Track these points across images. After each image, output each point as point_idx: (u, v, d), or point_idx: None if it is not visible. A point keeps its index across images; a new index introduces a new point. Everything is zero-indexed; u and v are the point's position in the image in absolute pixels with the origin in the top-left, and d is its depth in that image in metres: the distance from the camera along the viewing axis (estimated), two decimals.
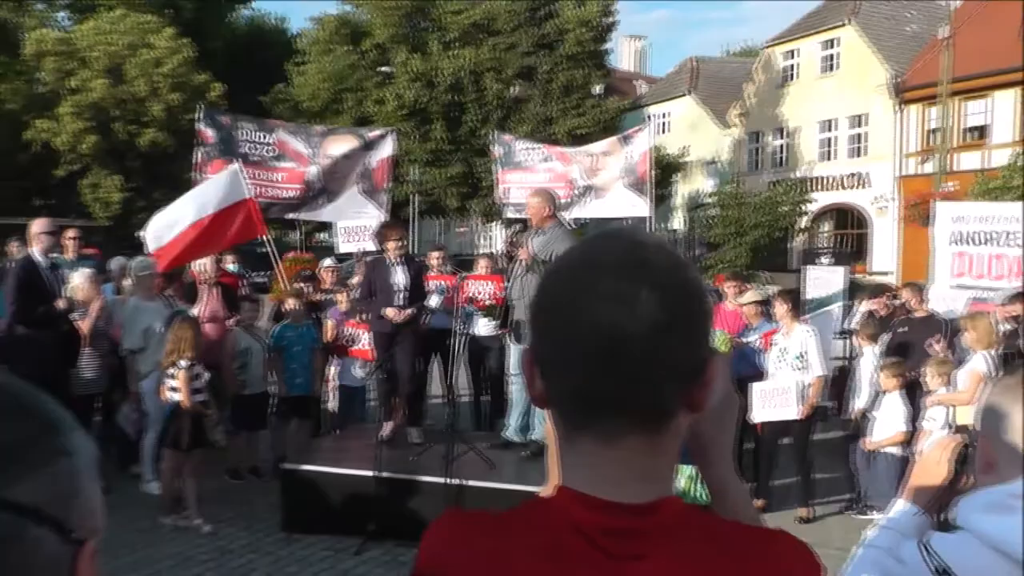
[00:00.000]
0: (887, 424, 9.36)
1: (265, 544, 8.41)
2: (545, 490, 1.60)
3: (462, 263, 18.46)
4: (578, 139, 33.67)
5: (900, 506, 2.36)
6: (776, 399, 9.62)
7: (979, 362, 9.10)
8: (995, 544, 1.93)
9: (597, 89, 44.39)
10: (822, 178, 42.41)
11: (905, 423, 9.26)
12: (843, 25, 41.34)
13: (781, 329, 10.01)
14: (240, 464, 10.58)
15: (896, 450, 9.26)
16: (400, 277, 9.70)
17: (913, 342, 10.77)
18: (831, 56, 42.58)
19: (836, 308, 13.36)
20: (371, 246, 13.16)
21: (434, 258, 12.74)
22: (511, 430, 9.56)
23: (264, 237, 12.62)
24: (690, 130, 50.58)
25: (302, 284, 12.03)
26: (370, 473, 8.39)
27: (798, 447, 9.93)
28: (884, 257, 38.51)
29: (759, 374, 10.01)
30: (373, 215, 15.15)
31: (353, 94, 43.78)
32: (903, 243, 36.91)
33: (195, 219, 11.44)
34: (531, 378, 1.36)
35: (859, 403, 10.22)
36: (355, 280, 12.56)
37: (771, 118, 45.49)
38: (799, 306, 10.43)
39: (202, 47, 43.41)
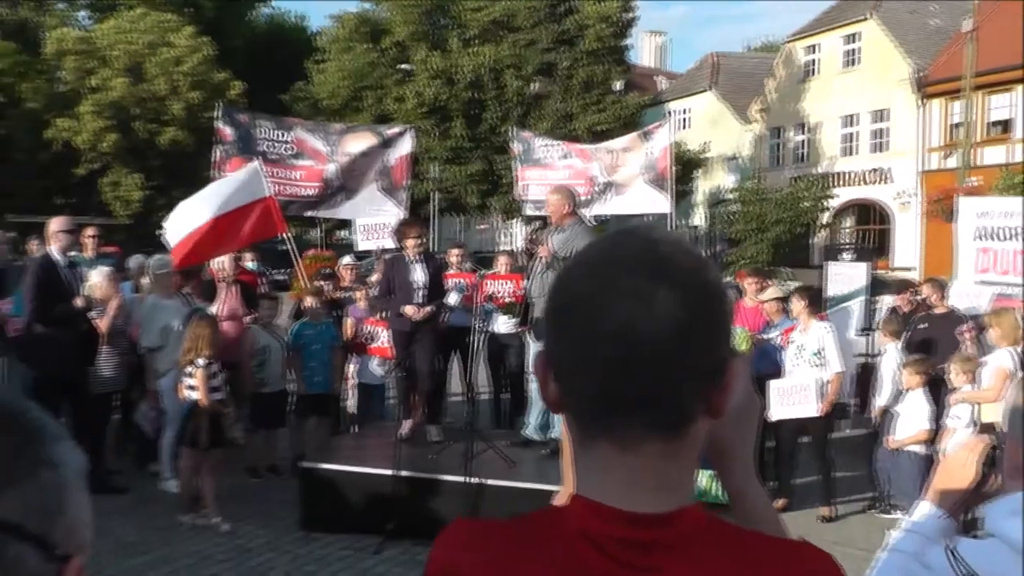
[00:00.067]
0: (910, 422, 9.26)
1: (284, 543, 8.36)
2: (559, 497, 1.54)
3: (482, 260, 18.48)
4: (598, 135, 33.64)
5: (925, 509, 2.28)
6: (795, 396, 9.52)
7: (1004, 358, 8.99)
8: None
9: (617, 85, 44.37)
10: (844, 173, 42.22)
11: (929, 421, 9.15)
12: (865, 19, 41.12)
13: (798, 326, 9.91)
14: (259, 462, 10.56)
15: (919, 448, 9.16)
16: (419, 275, 9.65)
17: (933, 339, 10.67)
18: (853, 51, 42.36)
19: (857, 304, 13.24)
20: (390, 244, 13.15)
21: (453, 256, 12.71)
22: (531, 428, 9.50)
23: (284, 235, 12.61)
24: (711, 126, 50.44)
25: (322, 282, 12.00)
26: (389, 472, 8.34)
27: (817, 445, 9.83)
28: (907, 253, 38.29)
29: (780, 372, 9.91)
30: (392, 213, 15.13)
31: (373, 92, 43.87)
32: (926, 239, 36.68)
33: (214, 216, 11.40)
34: (545, 380, 1.30)
35: (881, 400, 10.11)
36: (374, 278, 12.52)
37: (792, 113, 45.31)
38: (817, 302, 10.31)
39: (222, 45, 43.60)
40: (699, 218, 50.71)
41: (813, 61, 44.64)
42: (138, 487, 9.79)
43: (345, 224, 23.87)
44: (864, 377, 11.44)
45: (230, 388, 9.97)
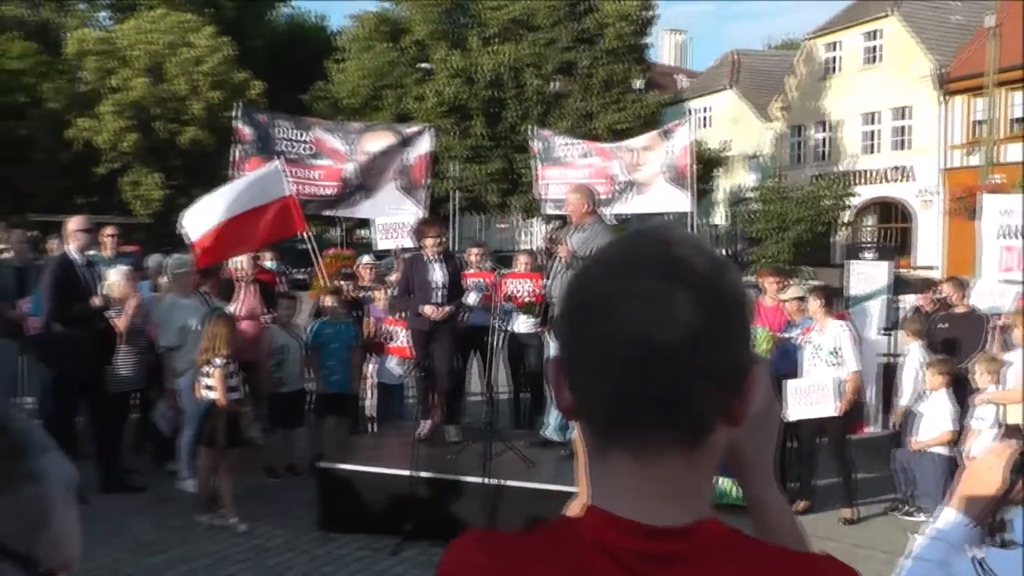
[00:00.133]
0: (934, 423, 9.17)
1: (301, 543, 8.34)
2: (572, 507, 1.50)
3: (502, 259, 18.41)
4: (618, 134, 33.55)
5: (950, 516, 2.22)
6: (812, 396, 9.43)
7: None
8: None
9: (637, 84, 44.27)
10: (865, 171, 42.09)
11: (953, 422, 9.06)
12: (886, 16, 40.94)
13: (815, 325, 9.83)
14: (277, 462, 10.54)
15: (943, 450, 9.06)
16: (438, 274, 9.61)
17: (954, 338, 10.57)
18: (874, 48, 42.20)
19: (878, 303, 13.12)
20: (409, 243, 13.10)
21: (473, 255, 12.68)
22: (550, 428, 9.44)
23: (304, 234, 12.59)
24: (731, 124, 50.38)
25: (341, 282, 11.97)
26: (407, 472, 8.31)
27: (836, 446, 9.75)
28: (929, 251, 38.11)
29: (800, 371, 9.83)
30: (411, 211, 15.07)
31: (393, 91, 43.93)
32: (948, 237, 36.52)
33: (234, 214, 11.40)
34: (558, 387, 1.25)
35: (903, 401, 10.01)
36: (393, 277, 12.49)
37: (813, 111, 45.18)
38: (832, 302, 10.21)
39: (242, 45, 43.77)
40: (720, 217, 50.65)
41: (834, 58, 44.51)
42: (156, 486, 9.80)
43: (365, 223, 23.86)
44: (887, 377, 11.34)
45: (248, 387, 9.96)
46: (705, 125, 50.55)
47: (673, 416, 1.16)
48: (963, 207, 31.34)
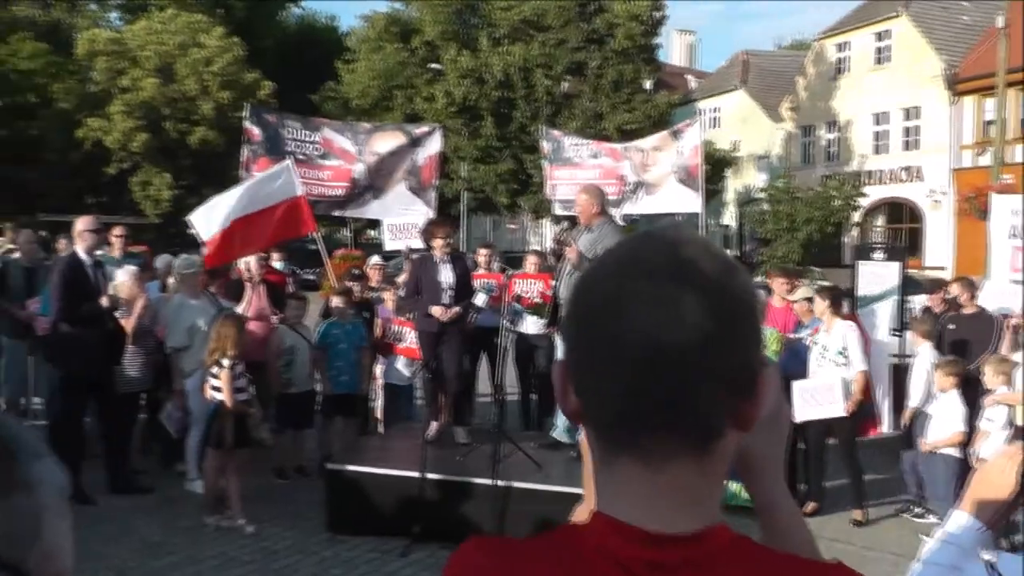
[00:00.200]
0: (944, 424, 9.11)
1: (310, 544, 8.32)
2: (579, 512, 1.47)
3: (512, 260, 18.42)
4: (628, 134, 33.51)
5: (962, 519, 2.19)
6: (820, 397, 9.39)
7: None
8: None
9: (647, 84, 44.26)
10: (875, 172, 42.01)
11: (963, 423, 9.00)
12: (896, 16, 40.85)
13: (821, 326, 9.79)
14: (286, 463, 10.52)
15: (953, 451, 9.01)
16: (447, 275, 9.58)
17: (963, 339, 10.52)
18: (884, 48, 42.10)
19: (888, 304, 13.06)
20: (418, 243, 13.10)
21: (482, 256, 12.67)
22: (559, 430, 9.40)
23: (314, 234, 12.59)
24: (741, 124, 50.33)
25: (350, 283, 11.96)
26: (416, 474, 8.28)
27: (845, 447, 9.70)
28: (939, 252, 38.00)
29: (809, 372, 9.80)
30: (421, 212, 15.08)
31: (403, 91, 44.00)
32: (958, 237, 36.41)
33: (244, 213, 11.40)
34: (564, 391, 1.22)
35: (913, 402, 9.95)
36: (402, 278, 12.48)
37: (823, 111, 45.12)
38: (839, 302, 10.16)
39: (252, 46, 43.88)
40: (729, 217, 50.59)
41: (844, 59, 44.43)
42: (164, 487, 9.79)
43: (375, 224, 23.93)
44: (897, 378, 11.29)
45: (257, 388, 9.95)
46: (715, 125, 50.48)
47: (681, 420, 1.14)
48: (973, 207, 31.23)
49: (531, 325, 11.82)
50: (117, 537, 8.30)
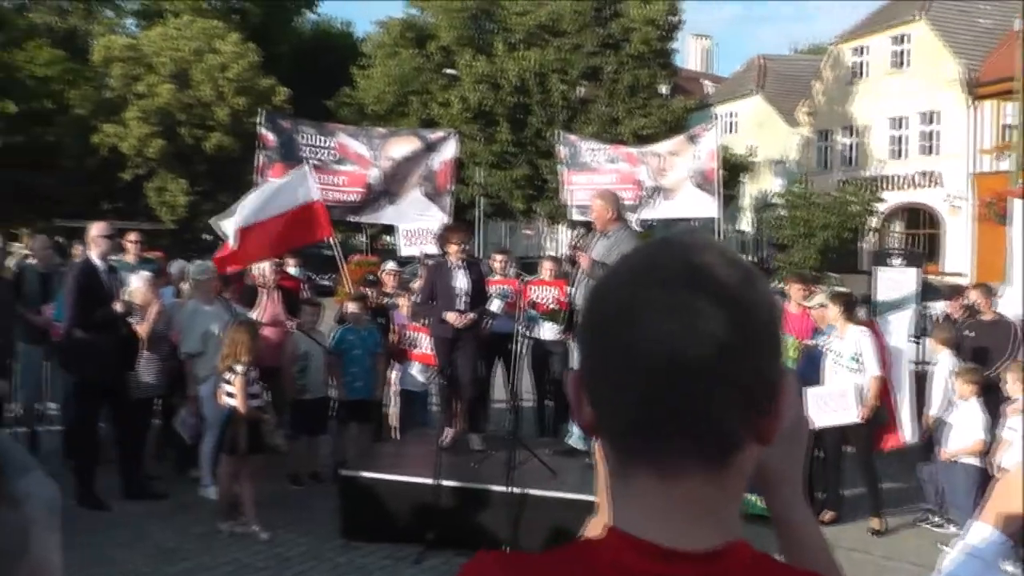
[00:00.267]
0: (964, 432, 9.01)
1: (324, 551, 8.28)
2: (591, 525, 1.42)
3: (528, 266, 18.35)
4: (644, 139, 33.51)
5: (984, 532, 2.13)
6: (834, 403, 9.31)
7: None
8: None
9: (663, 89, 44.22)
10: (893, 177, 41.82)
11: (984, 432, 8.90)
12: (914, 20, 40.70)
13: (834, 332, 9.71)
14: (300, 469, 10.48)
15: (974, 460, 8.90)
16: (461, 281, 9.54)
17: (981, 346, 10.43)
18: (901, 52, 41.94)
19: (908, 310, 12.97)
20: (433, 249, 13.07)
21: (497, 261, 12.62)
22: (575, 437, 9.35)
23: (330, 239, 12.57)
24: (758, 129, 50.24)
25: (365, 289, 11.93)
26: (430, 480, 8.25)
27: (861, 454, 9.62)
28: (958, 257, 37.84)
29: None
30: (436, 217, 15.04)
31: (418, 97, 44.07)
32: (978, 242, 36.25)
33: (261, 219, 11.39)
34: (578, 402, 1.18)
35: (932, 410, 9.85)
36: (417, 284, 12.44)
37: (840, 116, 44.98)
38: (853, 308, 10.09)
39: (268, 52, 44.04)
40: (746, 223, 50.48)
41: (861, 63, 44.28)
42: (178, 493, 9.76)
43: (390, 229, 23.97)
44: (918, 386, 11.21)
45: (271, 394, 9.92)
46: (731, 130, 50.39)
47: (699, 433, 1.10)
48: (993, 212, 31.15)
49: (547, 331, 11.77)
50: (131, 543, 8.28)
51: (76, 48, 45.46)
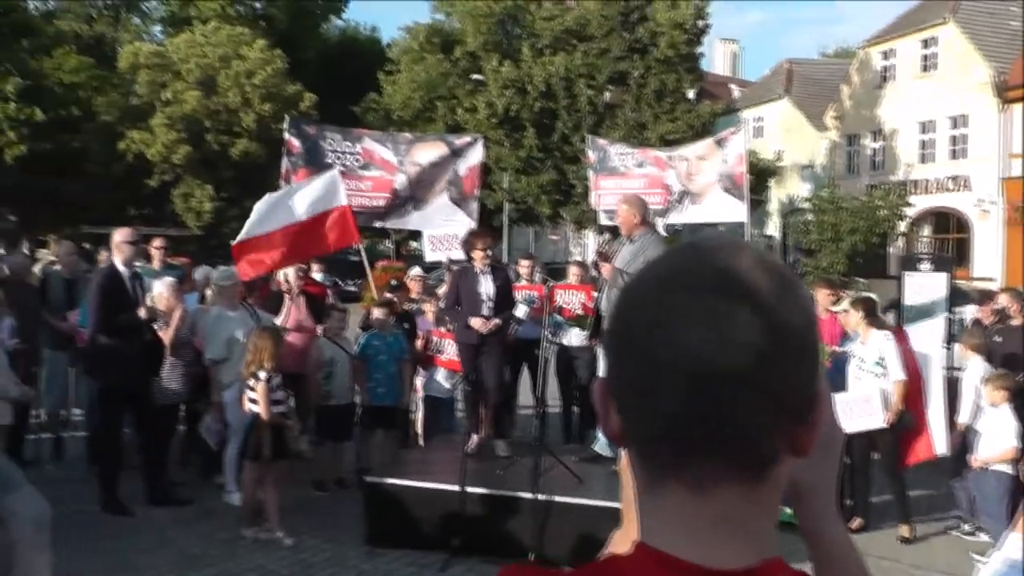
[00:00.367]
0: (995, 440, 8.89)
1: (348, 558, 8.25)
2: (616, 539, 1.36)
3: (554, 271, 18.30)
4: (671, 144, 33.36)
5: (1021, 543, 2.04)
6: (859, 409, 9.21)
7: None
8: None
9: (690, 94, 44.11)
10: (921, 181, 41.55)
11: (1016, 439, 8.78)
12: (943, 23, 40.43)
13: (857, 337, 9.61)
14: (325, 475, 10.46)
15: (1006, 467, 8.78)
16: (486, 286, 9.51)
17: (1011, 352, 10.30)
18: (930, 55, 41.67)
19: (940, 319, 12.83)
20: (459, 254, 13.03)
21: (523, 267, 12.59)
22: (601, 443, 9.28)
23: (357, 245, 12.55)
24: (785, 134, 50.07)
25: (390, 295, 11.91)
26: (455, 487, 8.19)
27: (888, 461, 9.51)
28: (987, 262, 37.55)
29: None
30: (463, 223, 15.00)
31: (445, 102, 44.12)
32: (1007, 247, 35.98)
33: (287, 223, 11.37)
34: (606, 411, 1.13)
35: (962, 417, 9.71)
36: (442, 290, 12.40)
37: (868, 120, 44.77)
38: (874, 313, 9.99)
39: (294, 58, 44.18)
40: (773, 228, 50.27)
41: (889, 66, 44.02)
42: (203, 499, 9.76)
43: (416, 235, 23.99)
44: (950, 392, 11.08)
45: (296, 400, 9.89)
46: (758, 135, 50.20)
47: (731, 445, 1.04)
48: (1022, 216, 30.88)
49: (573, 337, 11.72)
50: (154, 548, 8.27)
51: (103, 55, 45.74)
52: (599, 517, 7.26)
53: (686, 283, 1.06)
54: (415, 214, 15.46)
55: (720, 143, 17.48)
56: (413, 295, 12.54)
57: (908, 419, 9.41)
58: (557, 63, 42.07)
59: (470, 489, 8.20)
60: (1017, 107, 37.46)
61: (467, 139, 16.77)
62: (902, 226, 39.18)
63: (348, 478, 10.46)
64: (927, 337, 10.32)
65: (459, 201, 15.47)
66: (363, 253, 13.16)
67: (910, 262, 14.67)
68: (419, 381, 11.41)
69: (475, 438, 9.47)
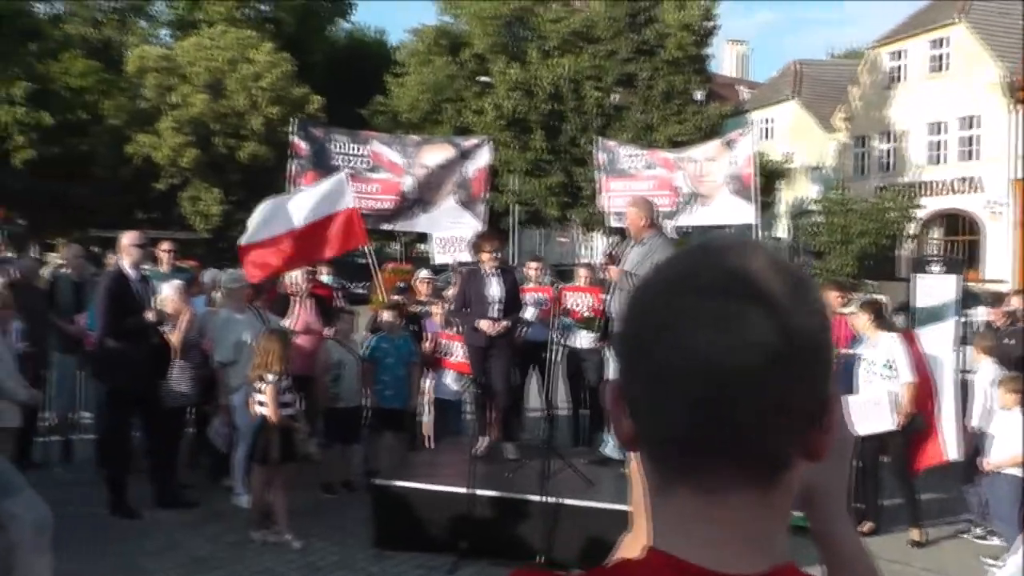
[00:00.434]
0: (1007, 443, 8.83)
1: (356, 561, 8.24)
2: (625, 546, 1.33)
3: (563, 273, 18.29)
4: (679, 146, 33.31)
5: None
6: (869, 411, 9.17)
7: None
8: None
9: (698, 95, 44.05)
10: (931, 183, 41.42)
11: None
12: (953, 23, 40.30)
13: (865, 341, 9.58)
14: (333, 478, 10.45)
15: (1017, 471, 8.72)
16: (495, 289, 9.51)
17: (1022, 355, 10.25)
18: (940, 56, 41.55)
19: (952, 323, 12.74)
20: (466, 257, 13.02)
21: (532, 269, 12.56)
22: (610, 446, 9.29)
23: (365, 247, 12.54)
24: (794, 135, 49.98)
25: (398, 297, 11.89)
26: (464, 490, 8.17)
27: (898, 464, 9.47)
28: (998, 264, 37.42)
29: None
30: (470, 225, 14.99)
31: (452, 104, 44.14)
32: (1019, 249, 35.86)
33: (294, 226, 11.35)
34: (617, 415, 1.11)
35: (974, 420, 9.66)
36: (450, 292, 12.39)
37: (877, 121, 44.64)
38: (882, 315, 9.95)
39: (301, 61, 44.25)
40: (782, 230, 50.19)
41: (899, 67, 43.88)
42: (211, 502, 9.76)
43: (425, 237, 23.99)
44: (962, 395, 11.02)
45: (305, 403, 9.87)
46: (767, 137, 50.06)
47: (744, 449, 1.03)
48: None
49: (581, 339, 11.70)
50: (162, 551, 8.27)
51: (110, 59, 45.78)
52: (608, 520, 7.21)
53: (696, 285, 1.04)
54: (423, 216, 15.43)
55: (729, 144, 17.46)
56: (421, 297, 12.53)
57: (919, 422, 9.37)
58: (565, 65, 42.07)
59: (479, 492, 8.18)
60: None
61: (475, 141, 16.74)
62: (912, 228, 39.11)
63: (356, 481, 10.45)
64: (939, 341, 10.24)
65: (467, 203, 15.44)
66: (371, 255, 13.15)
67: (920, 264, 14.57)
68: (427, 383, 11.39)
69: (484, 440, 9.47)
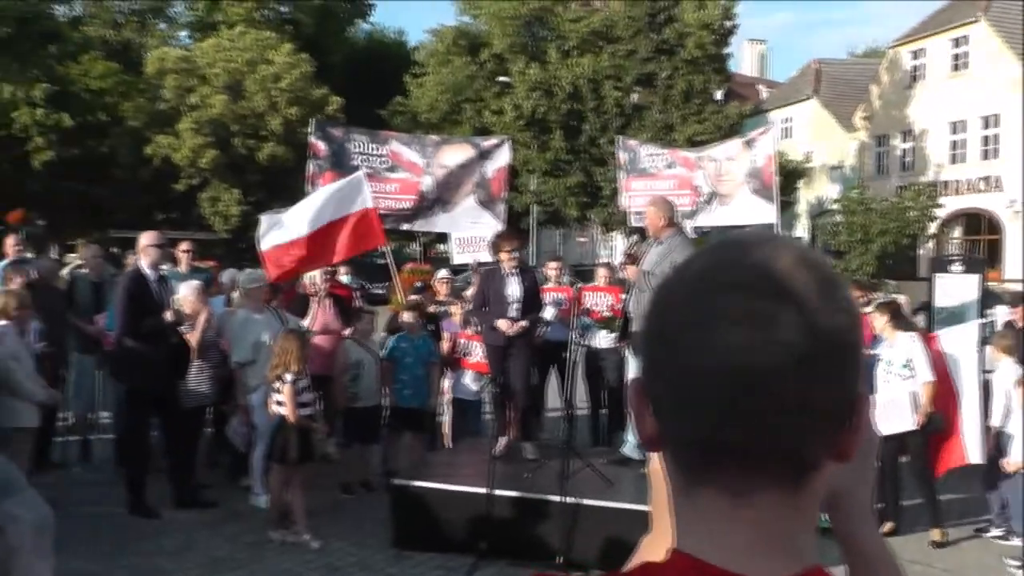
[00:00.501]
0: None
1: (375, 561, 8.22)
2: (646, 548, 1.30)
3: (582, 273, 18.24)
4: (699, 146, 33.29)
5: None
6: (889, 411, 9.12)
7: None
8: None
9: (718, 94, 43.96)
10: (952, 182, 41.25)
11: None
12: (974, 21, 40.13)
13: (883, 341, 9.51)
14: (352, 478, 10.44)
15: None
16: (514, 288, 9.49)
17: None
18: (961, 54, 41.36)
19: (974, 324, 12.65)
20: (486, 256, 12.99)
21: (551, 269, 12.54)
22: (630, 446, 9.24)
23: (383, 247, 12.52)
24: (814, 135, 49.84)
25: (417, 297, 11.88)
26: (483, 490, 8.15)
27: (918, 464, 9.40)
28: (1019, 263, 37.19)
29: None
30: (490, 225, 14.94)
31: (471, 105, 44.17)
32: None
33: (314, 228, 11.33)
34: (640, 414, 1.09)
35: (994, 420, 9.59)
36: (470, 292, 12.37)
37: (898, 120, 44.48)
38: (899, 315, 9.89)
39: (321, 61, 44.30)
40: (802, 230, 50.06)
41: (919, 66, 43.71)
42: (230, 501, 9.76)
43: (444, 237, 23.95)
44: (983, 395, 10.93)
45: (323, 403, 9.85)
46: (787, 136, 49.94)
47: (771, 450, 1.01)
48: None
49: (601, 339, 11.67)
50: (181, 551, 8.27)
51: (130, 61, 45.98)
52: (628, 520, 7.19)
53: (723, 282, 1.02)
54: (442, 216, 15.39)
55: (749, 144, 17.37)
56: (440, 297, 12.52)
57: (938, 421, 9.31)
58: (584, 65, 42.03)
59: (498, 492, 8.16)
60: None
61: (494, 141, 16.68)
62: (932, 227, 38.94)
63: (375, 481, 10.43)
64: (961, 342, 10.17)
65: (486, 203, 15.39)
66: (390, 255, 13.13)
67: (941, 264, 14.52)
68: (447, 383, 11.38)
69: (503, 441, 9.44)
